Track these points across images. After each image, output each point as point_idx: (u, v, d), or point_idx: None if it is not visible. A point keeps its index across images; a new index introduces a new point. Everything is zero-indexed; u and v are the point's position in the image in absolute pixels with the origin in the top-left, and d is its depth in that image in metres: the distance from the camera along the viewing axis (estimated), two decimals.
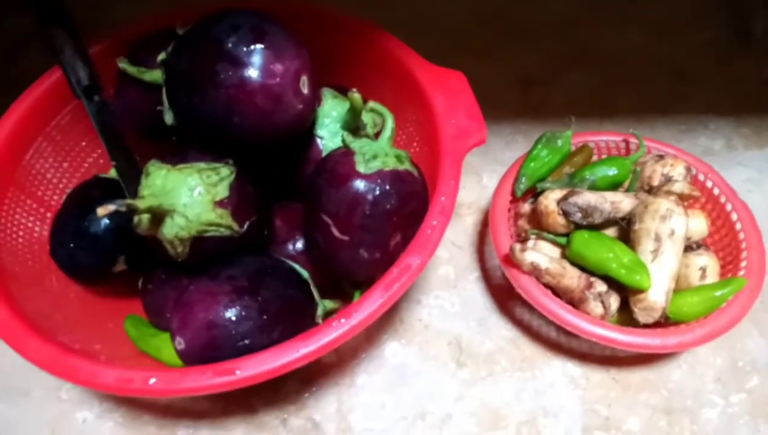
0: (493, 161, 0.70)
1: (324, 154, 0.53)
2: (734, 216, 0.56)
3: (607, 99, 0.76)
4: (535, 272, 0.51)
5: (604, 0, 0.89)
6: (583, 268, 0.52)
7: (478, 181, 0.69)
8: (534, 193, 0.60)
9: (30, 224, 0.54)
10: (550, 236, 0.54)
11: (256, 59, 0.43)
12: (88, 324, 0.52)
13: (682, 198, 0.54)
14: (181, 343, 0.44)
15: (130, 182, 0.52)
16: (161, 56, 0.48)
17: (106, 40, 0.57)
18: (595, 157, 0.62)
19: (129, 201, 0.41)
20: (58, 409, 0.55)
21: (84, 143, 0.59)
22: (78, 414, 0.54)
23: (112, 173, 0.58)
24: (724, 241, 0.57)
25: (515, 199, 0.59)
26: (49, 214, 0.55)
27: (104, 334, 0.52)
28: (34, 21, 0.53)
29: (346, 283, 0.55)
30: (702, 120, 0.74)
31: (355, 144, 0.48)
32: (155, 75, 0.51)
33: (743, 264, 0.53)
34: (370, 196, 0.46)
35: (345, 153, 0.48)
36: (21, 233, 0.52)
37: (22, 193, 0.53)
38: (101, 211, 0.39)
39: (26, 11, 0.90)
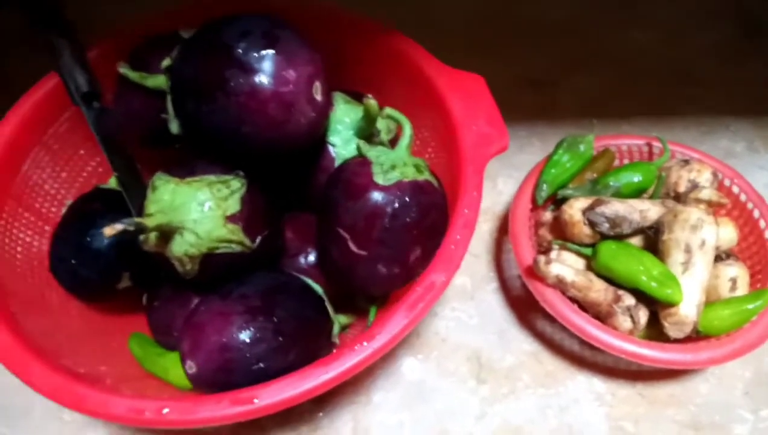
0: (508, 165, 0.68)
1: (337, 162, 0.50)
2: (762, 223, 0.54)
3: (622, 100, 0.74)
4: (561, 285, 0.49)
5: (612, 1, 0.87)
6: (609, 281, 0.50)
7: (493, 186, 0.67)
8: (554, 200, 0.58)
9: (28, 239, 0.51)
10: (575, 247, 0.52)
11: (268, 65, 0.41)
12: (91, 343, 0.50)
13: (710, 205, 0.52)
14: (192, 366, 0.41)
15: (132, 193, 0.49)
16: (166, 62, 0.45)
17: (105, 43, 0.54)
18: (616, 162, 0.60)
19: (137, 219, 0.38)
20: (61, 431, 0.52)
21: (82, 151, 0.57)
22: None
23: (112, 183, 0.56)
24: (752, 249, 0.55)
25: (535, 207, 0.56)
26: (47, 228, 0.53)
27: (108, 353, 0.50)
28: (27, 23, 0.50)
29: (359, 297, 0.53)
30: (722, 121, 0.72)
31: (372, 153, 0.46)
32: (159, 81, 0.48)
33: None
34: (389, 209, 0.43)
35: (361, 163, 0.45)
36: (19, 249, 0.50)
37: (19, 205, 0.51)
38: (108, 231, 0.36)
39: (15, 10, 0.87)
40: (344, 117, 0.51)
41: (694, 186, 0.53)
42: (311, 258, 0.51)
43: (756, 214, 0.55)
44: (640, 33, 0.82)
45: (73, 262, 0.48)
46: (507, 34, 0.82)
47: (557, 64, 0.78)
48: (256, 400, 0.37)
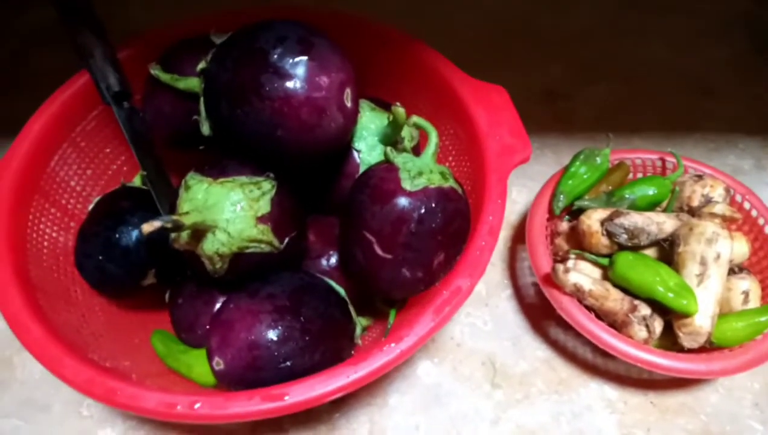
0: (522, 175, 0.69)
1: (361, 167, 0.51)
2: None
3: (633, 114, 0.75)
4: (578, 294, 0.50)
5: (625, 13, 0.89)
6: (624, 290, 0.51)
7: (508, 195, 0.68)
8: (569, 210, 0.59)
9: (54, 234, 0.52)
10: (592, 257, 0.53)
11: (302, 71, 0.42)
12: (114, 339, 0.50)
13: (723, 220, 0.53)
14: (220, 363, 0.42)
15: (160, 192, 0.50)
16: (201, 65, 0.46)
17: (135, 44, 0.55)
18: (630, 176, 0.61)
19: (175, 217, 0.39)
20: (79, 426, 0.53)
21: (108, 150, 0.58)
22: (100, 432, 0.52)
23: (137, 181, 0.57)
24: (763, 263, 0.56)
25: (551, 217, 0.57)
26: (72, 224, 0.53)
27: (131, 349, 0.50)
28: (59, 19, 0.51)
29: (379, 300, 0.54)
30: (731, 139, 0.73)
31: (399, 159, 0.47)
32: (191, 83, 0.49)
33: None
34: (415, 214, 0.44)
35: (388, 168, 0.46)
36: (46, 244, 0.50)
37: (46, 201, 0.52)
38: (147, 227, 0.37)
39: (41, 9, 0.88)
40: (370, 124, 0.52)
41: (708, 201, 0.55)
42: (333, 260, 0.52)
43: (767, 230, 0.56)
44: (656, 46, 0.84)
45: (100, 258, 0.48)
46: (524, 45, 0.84)
47: (572, 76, 0.80)
48: (287, 397, 0.37)
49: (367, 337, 0.54)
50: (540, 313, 0.59)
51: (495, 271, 0.62)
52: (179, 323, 0.51)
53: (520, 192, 0.68)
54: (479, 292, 0.61)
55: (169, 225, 0.38)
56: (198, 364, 0.47)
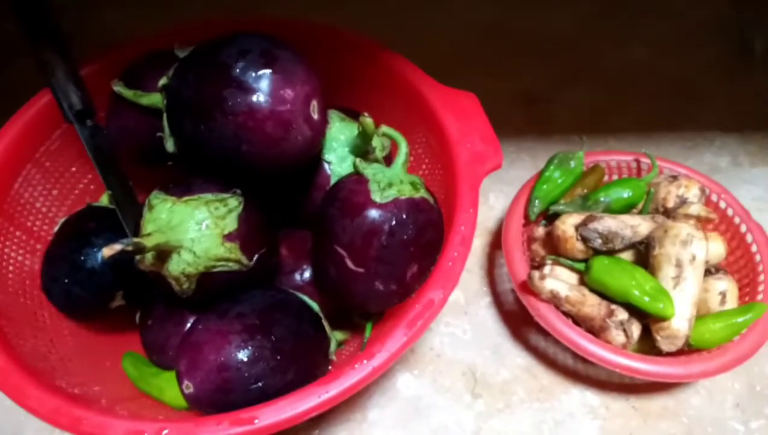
0: (499, 181, 0.68)
1: (332, 179, 0.50)
2: (749, 238, 0.55)
3: (611, 116, 0.75)
4: (555, 300, 0.49)
5: (604, 16, 0.88)
6: (601, 295, 0.51)
7: (485, 201, 0.67)
8: (546, 215, 0.58)
9: (20, 258, 0.50)
10: (568, 262, 0.52)
11: (266, 85, 0.41)
12: (84, 363, 0.49)
13: (698, 220, 0.53)
14: (189, 386, 0.41)
15: (126, 211, 0.49)
16: (162, 81, 0.45)
17: (98, 60, 0.54)
18: (606, 178, 0.61)
19: (136, 239, 0.38)
20: None
21: (74, 169, 0.56)
22: None
23: (104, 200, 0.56)
24: (740, 262, 0.56)
25: (528, 223, 0.57)
26: (39, 246, 0.52)
27: (102, 373, 0.49)
28: (23, 37, 0.50)
29: (355, 313, 0.53)
30: (708, 137, 0.73)
31: (369, 170, 0.46)
32: (154, 99, 0.48)
33: (761, 288, 0.53)
34: (386, 227, 0.43)
35: (358, 180, 0.46)
36: (11, 268, 0.49)
37: (11, 224, 0.50)
38: (107, 251, 0.36)
39: (11, 20, 0.86)
40: (339, 134, 0.52)
41: (683, 201, 0.54)
42: (306, 275, 0.51)
43: (743, 228, 0.56)
44: (635, 49, 0.84)
45: (66, 281, 0.47)
46: (503, 49, 0.83)
47: (550, 79, 0.80)
48: (256, 421, 0.36)
49: (345, 351, 0.53)
50: (520, 319, 0.58)
51: (473, 278, 0.62)
52: (150, 345, 0.50)
53: (498, 197, 0.68)
54: (458, 301, 0.60)
55: (130, 248, 0.37)
56: (169, 387, 0.46)
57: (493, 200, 0.68)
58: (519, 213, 0.56)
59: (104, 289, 0.48)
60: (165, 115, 0.46)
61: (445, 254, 0.44)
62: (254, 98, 0.41)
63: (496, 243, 0.64)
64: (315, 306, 0.49)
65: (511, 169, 0.70)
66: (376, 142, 0.51)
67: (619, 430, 0.52)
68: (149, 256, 0.42)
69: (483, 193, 0.67)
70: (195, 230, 0.41)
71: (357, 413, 0.53)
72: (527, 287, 0.50)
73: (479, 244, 0.64)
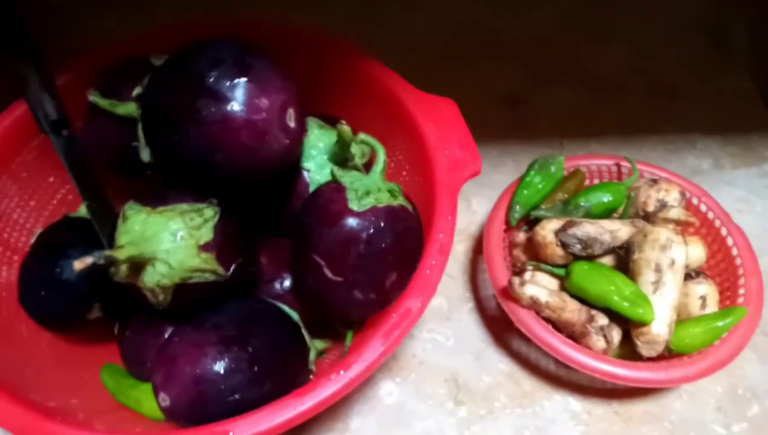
0: (482, 185, 0.68)
1: (311, 187, 0.50)
2: (730, 241, 0.55)
3: (592, 117, 0.75)
4: (535, 306, 0.49)
5: (584, 15, 0.89)
6: (582, 301, 0.51)
7: (467, 206, 0.67)
8: (527, 220, 0.58)
9: None
10: (549, 268, 0.52)
11: (240, 94, 0.41)
12: (61, 376, 0.49)
13: (678, 224, 0.53)
14: (165, 399, 0.40)
15: (102, 222, 0.48)
16: (137, 90, 0.45)
17: (74, 69, 0.54)
18: (587, 182, 0.61)
19: (108, 252, 0.38)
20: None
21: (51, 179, 0.56)
22: None
23: (82, 211, 0.55)
24: (721, 266, 0.56)
25: (509, 228, 0.57)
26: (16, 258, 0.52)
27: (80, 386, 0.49)
28: None
29: (336, 322, 0.53)
30: (689, 139, 0.73)
31: (346, 178, 0.46)
32: (129, 108, 0.48)
33: (741, 291, 0.53)
34: (364, 235, 0.43)
35: (336, 188, 0.45)
36: None
37: None
38: (78, 265, 0.36)
39: None
40: (318, 142, 0.51)
41: (663, 205, 0.54)
42: (287, 283, 0.51)
43: (724, 231, 0.56)
44: (614, 48, 0.84)
45: (42, 293, 0.47)
46: (482, 50, 0.83)
47: (531, 80, 0.80)
48: (231, 434, 0.36)
49: (327, 359, 0.53)
50: (502, 325, 0.58)
51: (456, 284, 0.61)
52: (128, 357, 0.49)
53: (480, 202, 0.68)
54: (441, 307, 0.60)
55: (101, 261, 0.37)
56: (148, 399, 0.46)
57: (476, 205, 0.67)
58: (500, 218, 0.56)
59: (81, 301, 0.47)
60: (140, 125, 0.45)
61: (423, 262, 0.43)
62: (228, 107, 0.40)
63: (479, 248, 0.64)
64: (295, 315, 0.48)
65: (494, 173, 0.70)
66: (355, 149, 0.51)
67: None
68: (124, 268, 0.41)
69: (465, 198, 0.68)
70: (169, 241, 0.41)
71: (339, 422, 0.53)
72: (508, 293, 0.50)
73: (462, 249, 0.64)
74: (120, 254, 0.38)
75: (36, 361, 0.48)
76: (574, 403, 0.54)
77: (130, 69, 0.50)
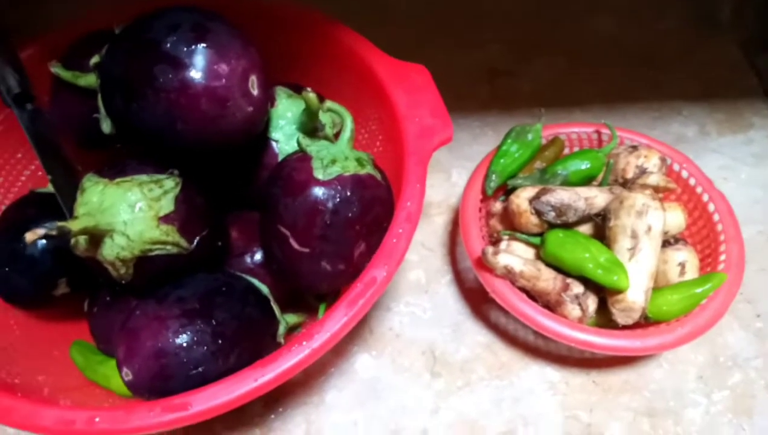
0: (462, 157, 0.67)
1: (280, 157, 0.49)
2: (711, 207, 0.54)
3: (575, 88, 0.74)
4: (509, 276, 0.48)
5: None
6: (558, 269, 0.50)
7: (447, 178, 0.66)
8: (505, 190, 0.57)
9: None
10: (524, 237, 0.51)
11: (199, 60, 0.39)
12: (30, 353, 0.48)
13: (657, 190, 0.52)
14: (128, 374, 0.40)
15: (67, 196, 0.47)
16: (94, 59, 0.44)
17: (39, 42, 0.53)
18: (567, 150, 0.59)
19: (60, 223, 0.37)
20: None
21: (20, 155, 0.55)
22: None
23: (51, 187, 0.54)
24: (702, 233, 0.55)
25: (486, 198, 0.56)
26: None
27: (49, 363, 0.48)
28: None
29: (309, 295, 0.52)
30: (674, 106, 0.72)
31: (312, 147, 0.45)
32: (90, 79, 0.46)
33: (722, 257, 0.51)
34: (330, 204, 0.42)
35: (301, 158, 0.44)
36: None
37: None
38: (29, 236, 0.35)
39: None
40: (287, 112, 0.50)
41: (642, 172, 0.53)
42: (257, 257, 0.50)
43: (705, 197, 0.55)
44: (599, 19, 0.82)
45: (6, 269, 0.46)
46: (464, 21, 0.81)
47: (514, 52, 0.78)
48: (190, 407, 0.35)
49: (301, 334, 0.52)
50: (480, 297, 0.57)
51: (435, 257, 0.60)
52: (97, 333, 0.49)
53: (460, 174, 0.66)
54: (419, 280, 0.59)
55: (53, 232, 0.36)
56: (115, 375, 0.45)
57: (456, 177, 0.66)
58: (477, 188, 0.55)
59: (45, 277, 0.47)
60: (99, 96, 0.44)
61: (390, 231, 0.42)
62: (186, 74, 0.39)
63: (458, 221, 0.63)
64: (264, 289, 0.47)
65: (475, 144, 0.68)
66: (325, 118, 0.50)
67: (579, 405, 0.51)
68: (82, 241, 0.40)
69: (445, 170, 0.67)
70: (127, 212, 0.40)
71: (314, 396, 0.52)
72: (483, 263, 0.49)
73: (441, 221, 0.63)
74: (74, 226, 0.37)
75: (4, 339, 0.48)
76: (552, 373, 0.53)
77: (94, 40, 0.49)
